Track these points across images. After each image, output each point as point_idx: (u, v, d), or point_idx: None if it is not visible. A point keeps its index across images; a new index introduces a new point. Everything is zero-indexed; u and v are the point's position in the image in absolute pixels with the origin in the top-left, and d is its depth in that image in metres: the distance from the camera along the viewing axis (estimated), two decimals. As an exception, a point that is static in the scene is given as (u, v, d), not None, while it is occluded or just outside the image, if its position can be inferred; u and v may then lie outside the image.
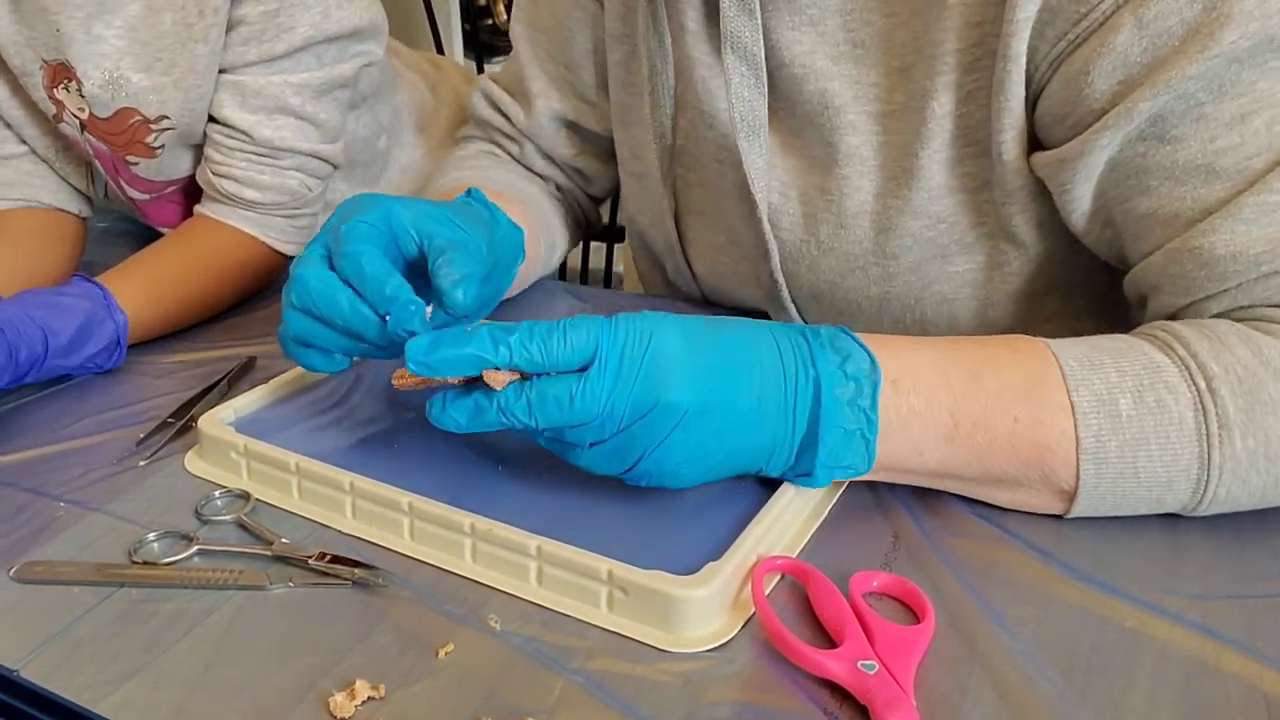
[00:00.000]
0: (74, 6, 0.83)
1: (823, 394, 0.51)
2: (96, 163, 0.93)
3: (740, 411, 0.51)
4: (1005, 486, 0.56)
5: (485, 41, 2.98)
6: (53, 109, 0.89)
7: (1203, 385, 0.52)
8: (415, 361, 0.50)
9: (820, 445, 0.52)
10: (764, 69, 0.68)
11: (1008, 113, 0.61)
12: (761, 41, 0.67)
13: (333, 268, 0.56)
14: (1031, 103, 0.62)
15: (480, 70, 1.85)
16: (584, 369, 0.49)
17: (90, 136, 0.90)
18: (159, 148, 0.90)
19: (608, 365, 0.49)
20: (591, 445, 0.51)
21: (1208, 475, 0.52)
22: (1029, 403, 0.53)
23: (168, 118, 0.88)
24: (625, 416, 0.49)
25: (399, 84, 1.09)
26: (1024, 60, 0.60)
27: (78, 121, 0.89)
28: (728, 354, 0.51)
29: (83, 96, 0.87)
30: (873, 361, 0.53)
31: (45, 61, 0.86)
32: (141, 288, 0.81)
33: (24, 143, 0.94)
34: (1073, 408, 0.52)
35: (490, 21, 3.09)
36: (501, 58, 2.94)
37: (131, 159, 0.91)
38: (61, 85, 0.86)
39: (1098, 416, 0.52)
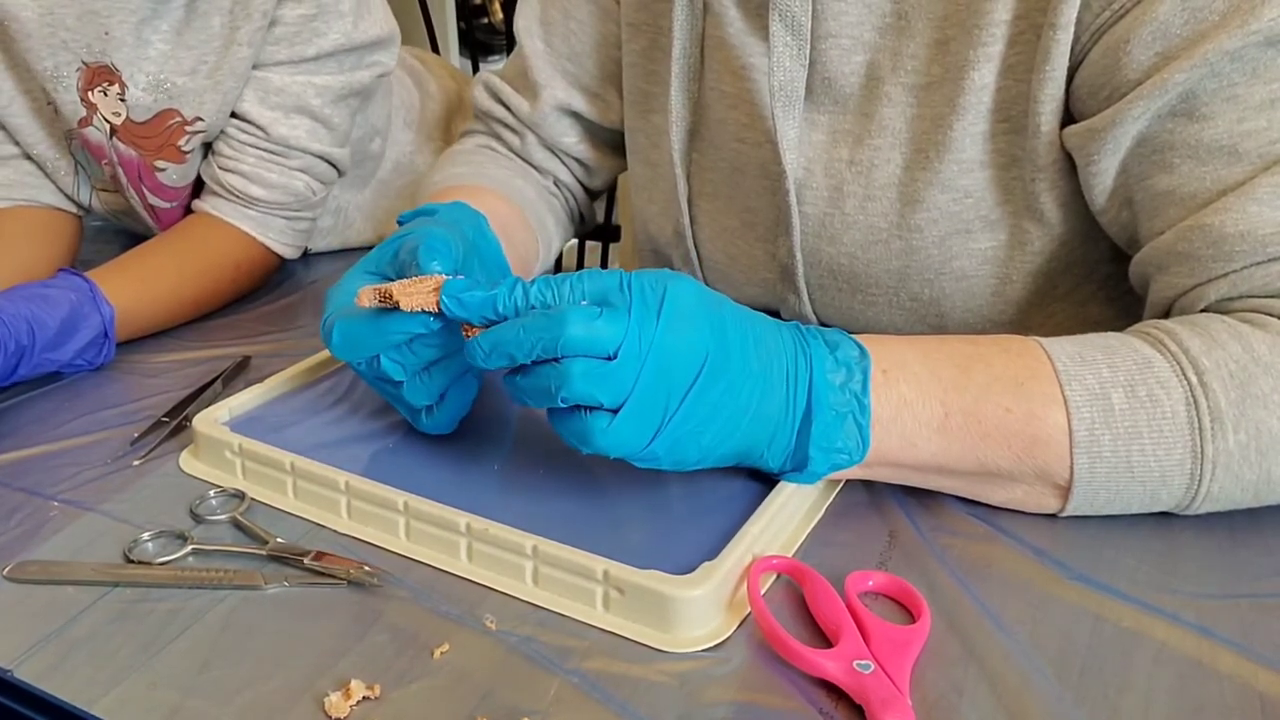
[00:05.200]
0: (127, 10, 0.84)
1: (814, 376, 0.52)
2: (120, 171, 0.92)
3: (751, 366, 0.51)
4: (1000, 483, 0.56)
5: (481, 40, 2.98)
6: (81, 112, 0.89)
7: (1194, 379, 0.52)
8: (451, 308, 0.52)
9: (813, 426, 0.52)
10: (808, 40, 0.69)
11: (1050, 83, 0.62)
12: (810, 11, 0.68)
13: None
14: (1070, 73, 0.62)
15: (475, 69, 1.84)
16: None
17: (119, 142, 0.90)
18: (189, 151, 0.91)
19: (629, 303, 0.49)
20: (614, 411, 0.49)
21: (1200, 469, 0.52)
22: (1020, 395, 0.53)
23: (202, 119, 0.88)
24: (650, 356, 0.48)
25: (390, 84, 1.09)
26: (1072, 29, 0.60)
27: (108, 126, 0.89)
28: (732, 315, 0.52)
29: (123, 100, 0.87)
30: (862, 350, 0.54)
31: (85, 63, 0.86)
32: (131, 282, 0.81)
33: (17, 145, 0.94)
34: (1065, 401, 0.52)
35: (486, 20, 3.09)
36: (497, 56, 2.93)
37: (160, 164, 0.91)
38: (99, 88, 0.87)
39: (1090, 410, 0.52)
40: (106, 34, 0.84)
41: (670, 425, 0.49)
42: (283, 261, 0.97)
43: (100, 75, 0.86)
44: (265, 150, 0.90)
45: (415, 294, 0.53)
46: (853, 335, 0.56)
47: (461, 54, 2.92)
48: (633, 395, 0.48)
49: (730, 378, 0.50)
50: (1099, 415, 0.52)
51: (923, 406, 0.54)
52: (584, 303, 0.49)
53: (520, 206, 0.84)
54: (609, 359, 0.48)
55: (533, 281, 0.51)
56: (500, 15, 3.03)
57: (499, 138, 0.91)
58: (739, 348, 0.51)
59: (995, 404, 0.53)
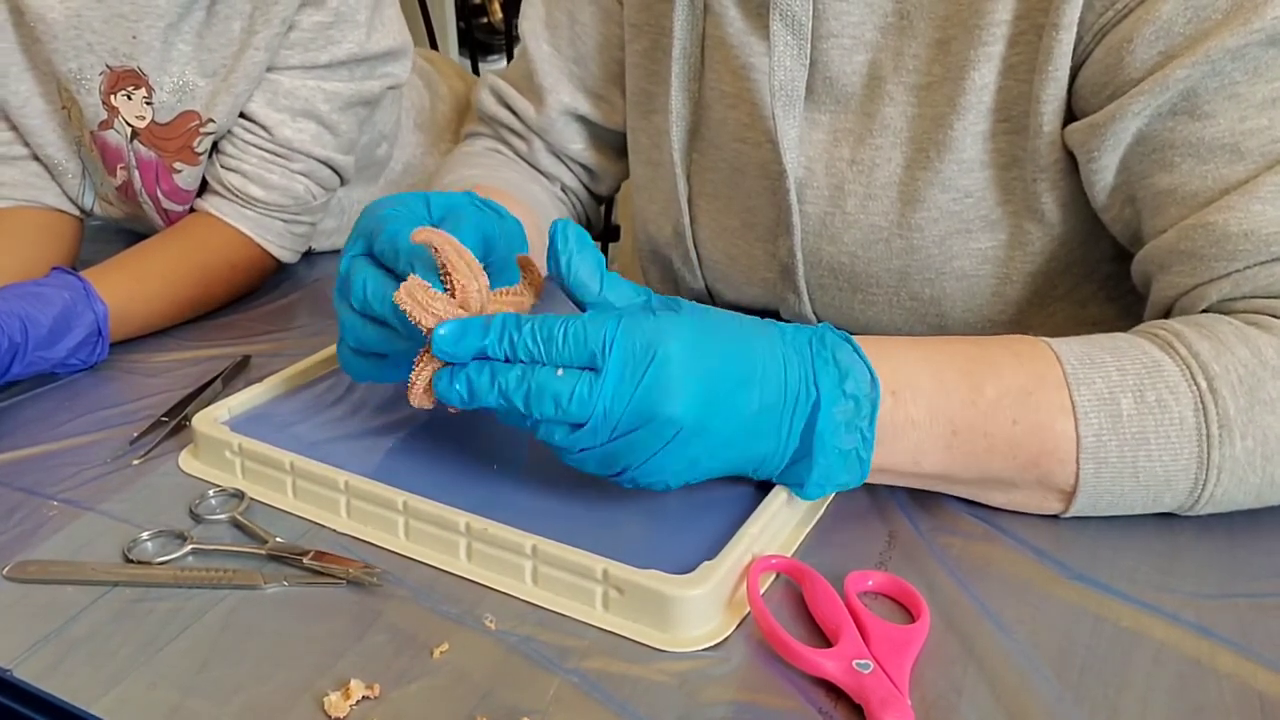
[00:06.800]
0: (155, 15, 0.84)
1: (820, 414, 0.51)
2: (136, 175, 0.93)
3: (737, 428, 0.50)
4: (1002, 488, 0.56)
5: (480, 40, 2.98)
6: (103, 115, 0.89)
7: (1204, 385, 0.52)
8: (439, 349, 0.51)
9: (814, 466, 0.52)
10: (809, 39, 0.69)
11: (1052, 83, 0.62)
12: (810, 11, 0.68)
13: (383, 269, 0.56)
14: (1072, 73, 0.62)
15: (475, 69, 1.84)
16: (588, 368, 0.49)
17: (139, 145, 0.90)
18: (201, 152, 0.91)
19: (609, 372, 0.48)
20: (581, 451, 0.50)
21: (1205, 475, 0.52)
22: (1029, 406, 0.53)
23: (214, 120, 0.89)
24: (620, 425, 0.48)
25: (400, 89, 1.09)
26: (1075, 29, 0.60)
27: (129, 129, 0.89)
28: (731, 365, 0.50)
29: (148, 104, 0.87)
30: (873, 378, 0.52)
31: (109, 67, 0.86)
32: (126, 280, 0.81)
33: (26, 146, 0.94)
34: (1074, 406, 0.52)
35: (485, 20, 3.08)
36: (496, 56, 2.93)
37: (178, 166, 0.92)
38: (122, 91, 0.87)
39: (1099, 415, 0.52)
40: (134, 38, 0.85)
41: (636, 473, 0.50)
42: (280, 264, 0.97)
43: (125, 79, 0.87)
44: (268, 151, 0.90)
45: (435, 307, 0.52)
46: (860, 348, 0.53)
47: (461, 54, 2.92)
48: (597, 449, 0.50)
49: (708, 442, 0.50)
50: (1107, 421, 0.52)
51: (931, 426, 0.53)
52: (560, 373, 0.49)
53: (536, 212, 0.84)
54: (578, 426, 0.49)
55: (524, 325, 0.50)
56: (500, 15, 3.03)
57: (505, 142, 0.91)
58: (724, 411, 0.49)
59: (1003, 419, 0.53)
